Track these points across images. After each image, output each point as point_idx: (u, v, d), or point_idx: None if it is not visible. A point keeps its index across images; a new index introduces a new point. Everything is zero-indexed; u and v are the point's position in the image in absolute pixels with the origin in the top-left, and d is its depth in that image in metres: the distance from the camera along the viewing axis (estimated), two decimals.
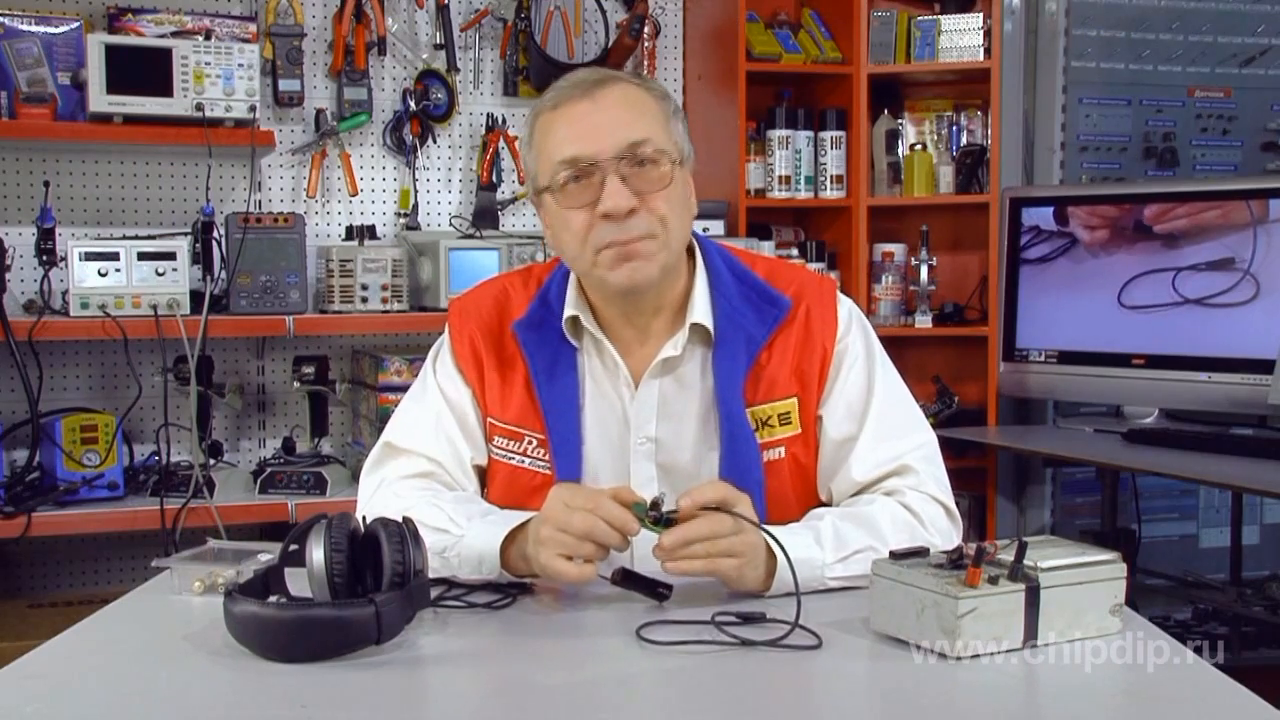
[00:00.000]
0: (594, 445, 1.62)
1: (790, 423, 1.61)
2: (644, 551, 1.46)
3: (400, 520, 1.33)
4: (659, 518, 1.39)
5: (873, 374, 1.63)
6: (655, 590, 1.42)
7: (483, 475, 1.68)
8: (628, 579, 1.43)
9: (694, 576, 1.41)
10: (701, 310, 1.61)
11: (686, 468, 1.62)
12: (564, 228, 1.55)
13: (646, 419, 1.62)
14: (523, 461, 1.62)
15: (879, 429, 1.61)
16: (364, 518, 1.36)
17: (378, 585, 1.28)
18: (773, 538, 1.41)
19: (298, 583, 1.34)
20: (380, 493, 1.62)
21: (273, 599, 1.35)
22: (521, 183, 3.51)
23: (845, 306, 1.66)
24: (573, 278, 1.65)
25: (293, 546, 1.36)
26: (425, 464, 1.64)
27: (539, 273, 1.71)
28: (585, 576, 1.39)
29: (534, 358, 1.62)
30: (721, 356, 1.60)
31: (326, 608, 1.26)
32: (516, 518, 1.49)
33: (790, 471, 1.62)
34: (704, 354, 1.62)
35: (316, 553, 1.28)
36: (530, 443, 1.62)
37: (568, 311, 1.62)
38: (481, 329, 1.66)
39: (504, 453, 1.64)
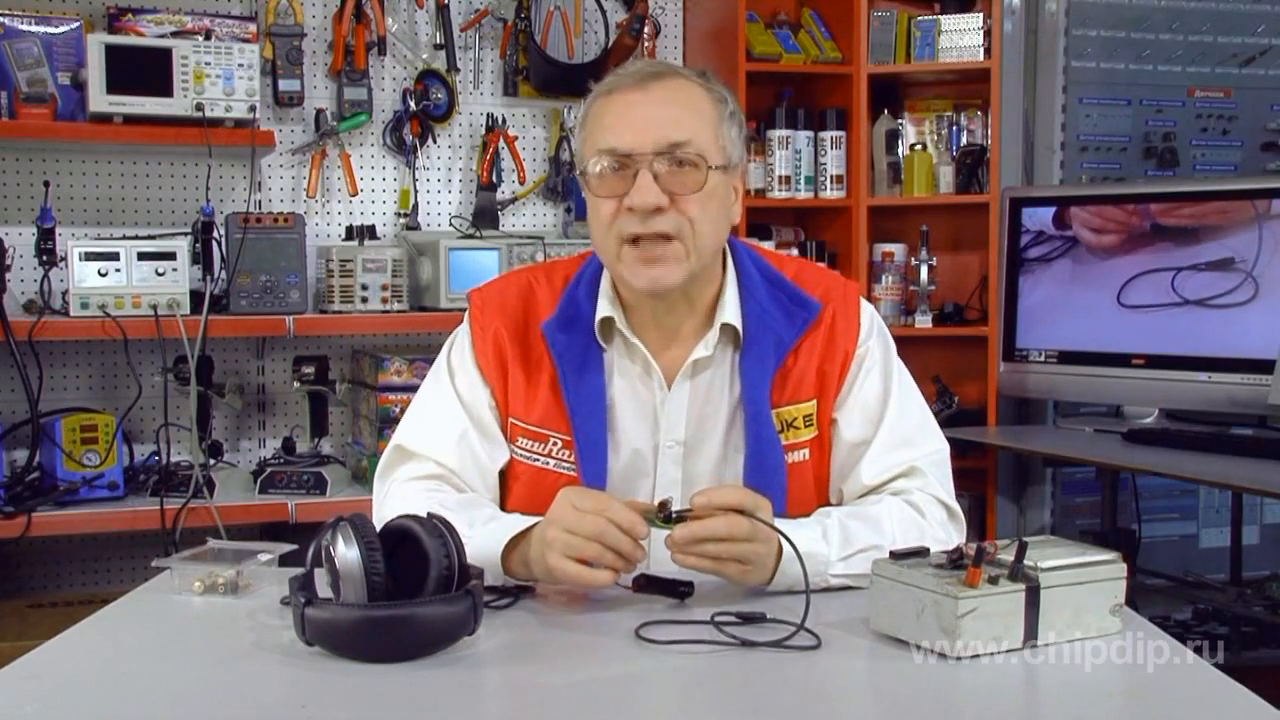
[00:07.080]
0: (620, 447, 1.61)
1: (812, 425, 1.62)
2: (661, 554, 1.45)
3: (428, 515, 1.32)
4: (669, 516, 1.39)
5: (889, 380, 1.64)
6: (676, 589, 1.42)
7: (503, 476, 1.66)
8: (649, 584, 1.42)
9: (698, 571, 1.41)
10: (731, 311, 1.61)
11: (709, 471, 1.61)
12: (594, 214, 1.56)
13: (676, 421, 1.61)
14: (547, 463, 1.61)
15: (892, 435, 1.61)
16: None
17: (418, 586, 1.26)
18: (787, 539, 1.40)
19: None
20: (389, 500, 1.60)
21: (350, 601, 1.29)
22: (522, 182, 3.52)
23: (868, 313, 1.67)
24: (605, 277, 1.63)
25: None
26: (434, 467, 1.62)
27: (564, 269, 1.69)
28: (599, 579, 1.37)
29: (563, 359, 1.60)
30: (750, 358, 1.59)
31: (433, 604, 1.25)
32: (520, 522, 1.47)
33: (812, 474, 1.63)
34: (733, 356, 1.62)
35: (350, 553, 1.24)
36: (555, 444, 1.60)
37: (601, 313, 1.61)
38: (507, 326, 1.63)
39: (528, 454, 1.62)
